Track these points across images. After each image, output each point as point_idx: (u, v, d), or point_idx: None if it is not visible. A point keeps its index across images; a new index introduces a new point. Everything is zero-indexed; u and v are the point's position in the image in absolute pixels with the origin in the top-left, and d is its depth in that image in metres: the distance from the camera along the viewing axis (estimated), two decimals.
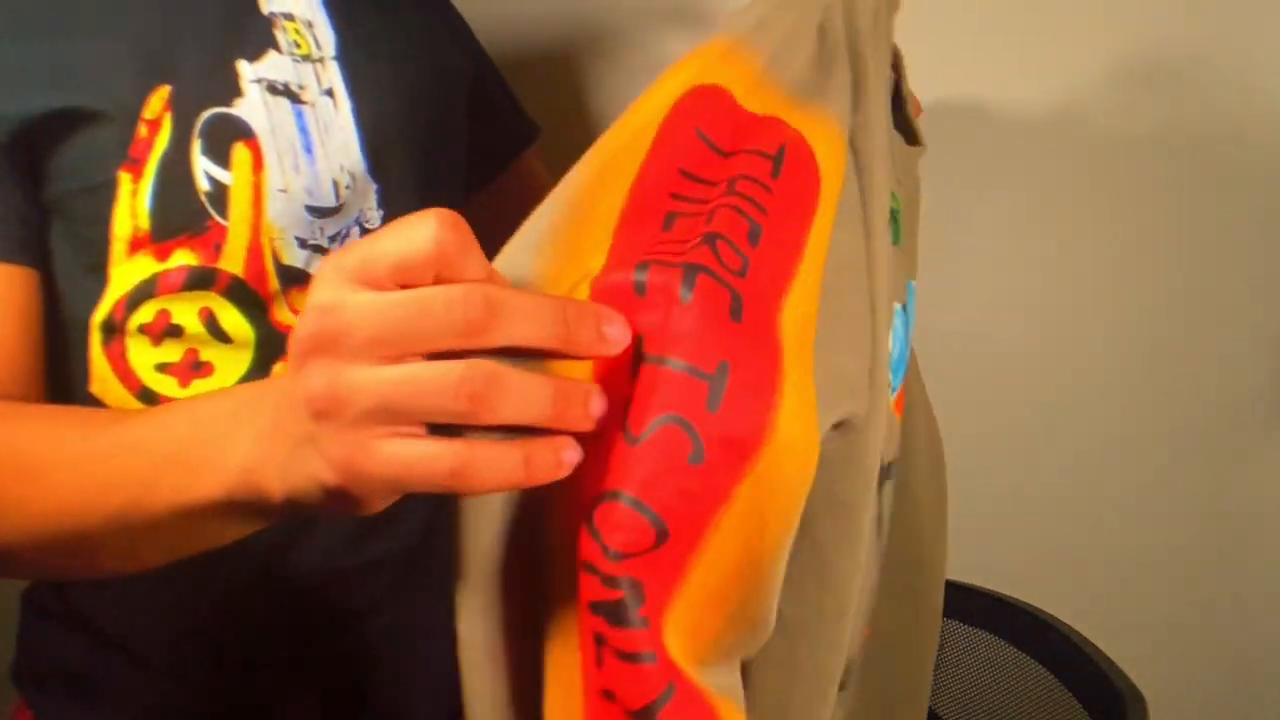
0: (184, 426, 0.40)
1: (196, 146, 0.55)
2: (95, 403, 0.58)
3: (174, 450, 0.39)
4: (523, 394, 0.31)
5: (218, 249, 0.56)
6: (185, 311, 0.57)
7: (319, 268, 0.38)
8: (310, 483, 0.33)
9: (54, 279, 0.56)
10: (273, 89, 0.58)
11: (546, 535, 0.37)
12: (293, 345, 0.32)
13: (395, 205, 0.64)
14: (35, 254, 0.55)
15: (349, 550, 0.65)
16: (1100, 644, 0.82)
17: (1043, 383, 1.06)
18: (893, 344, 0.48)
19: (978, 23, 0.99)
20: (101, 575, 0.47)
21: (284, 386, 0.34)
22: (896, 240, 0.54)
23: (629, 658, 0.35)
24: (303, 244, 0.59)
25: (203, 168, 0.55)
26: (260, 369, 0.59)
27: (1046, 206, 1.02)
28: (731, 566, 0.37)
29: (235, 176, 0.56)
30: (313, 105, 0.60)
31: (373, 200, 0.63)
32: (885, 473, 0.55)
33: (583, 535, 0.35)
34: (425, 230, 0.30)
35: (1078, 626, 0.86)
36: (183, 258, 0.55)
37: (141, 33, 0.55)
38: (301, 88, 0.60)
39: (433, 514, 0.69)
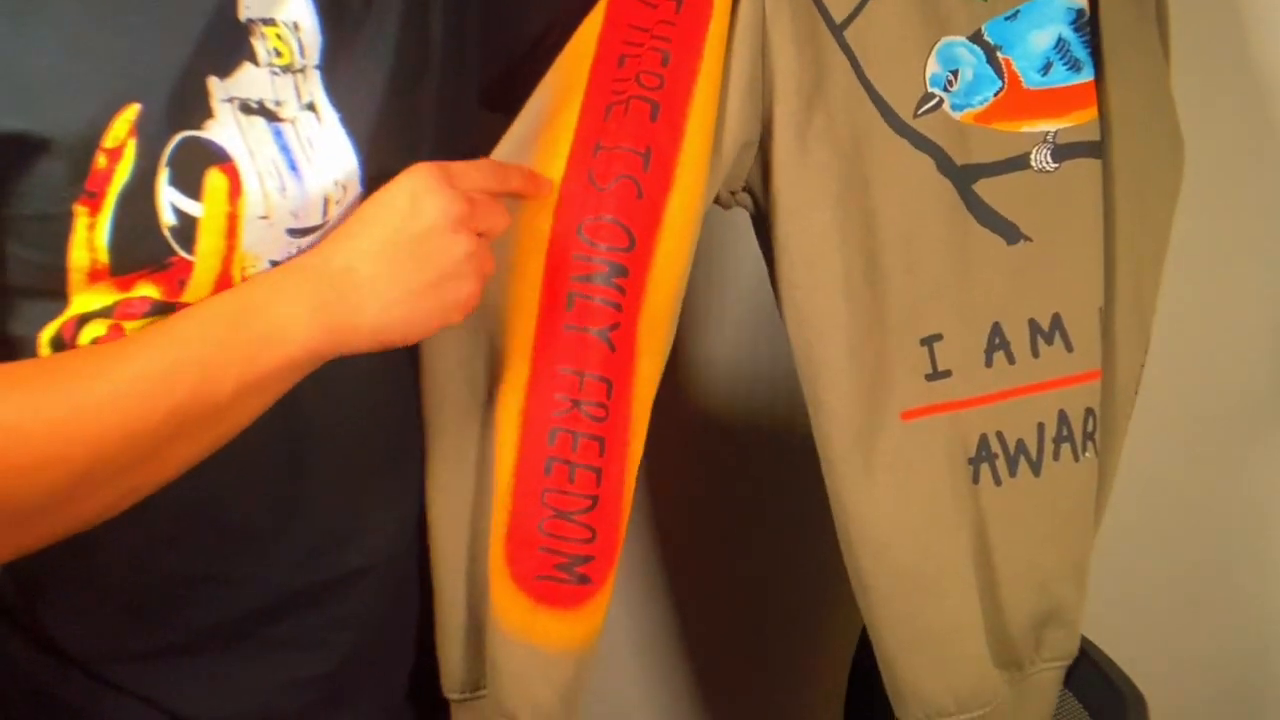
0: (228, 311, 0.48)
1: (163, 176, 0.51)
2: None
3: (224, 334, 0.47)
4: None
5: (182, 284, 0.52)
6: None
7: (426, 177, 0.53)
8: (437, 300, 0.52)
9: (5, 292, 0.52)
10: (246, 108, 0.54)
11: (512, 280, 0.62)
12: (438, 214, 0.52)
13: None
14: None
15: (316, 568, 0.63)
16: (1100, 644, 0.80)
17: None
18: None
19: None
20: (168, 478, 0.49)
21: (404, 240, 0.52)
22: None
23: (601, 298, 0.60)
24: (275, 264, 0.54)
25: (168, 199, 0.51)
26: None
27: None
28: (669, 285, 0.62)
29: (207, 207, 0.51)
30: (292, 121, 0.55)
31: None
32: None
33: (571, 246, 0.60)
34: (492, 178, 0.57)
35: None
36: (145, 289, 0.52)
37: (110, 43, 0.50)
38: (279, 104, 0.55)
39: (399, 533, 0.67)
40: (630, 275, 0.60)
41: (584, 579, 0.60)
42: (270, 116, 0.54)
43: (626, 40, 0.63)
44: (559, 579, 0.60)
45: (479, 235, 0.54)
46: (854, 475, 0.67)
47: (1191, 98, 0.89)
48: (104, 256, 0.50)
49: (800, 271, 0.65)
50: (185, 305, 0.52)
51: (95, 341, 0.52)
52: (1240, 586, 1.02)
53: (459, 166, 0.56)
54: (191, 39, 0.52)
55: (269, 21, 0.55)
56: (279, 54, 0.55)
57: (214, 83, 0.52)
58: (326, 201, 0.56)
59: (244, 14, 0.54)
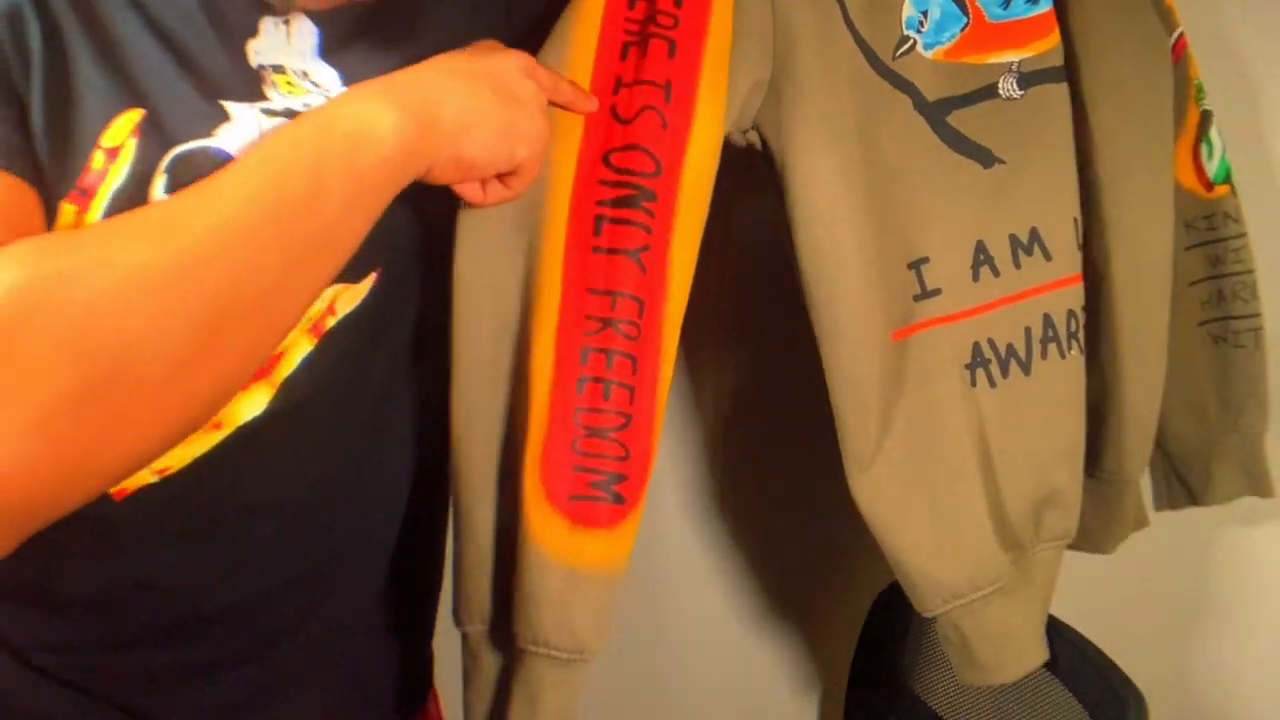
0: (315, 125, 0.45)
1: (159, 183, 0.49)
2: None
3: (319, 143, 0.44)
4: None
5: None
6: None
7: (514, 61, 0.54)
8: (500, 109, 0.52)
9: None
10: (270, 113, 0.53)
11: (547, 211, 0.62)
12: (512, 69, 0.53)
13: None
14: (31, 170, 0.48)
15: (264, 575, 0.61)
16: (1100, 644, 0.83)
17: None
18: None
19: None
20: (296, 317, 0.45)
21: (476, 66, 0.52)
22: None
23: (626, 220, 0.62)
24: None
25: None
26: None
27: None
28: (695, 210, 0.64)
29: None
30: None
31: None
32: None
33: (598, 173, 0.62)
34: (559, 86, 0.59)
35: (1078, 626, 0.86)
36: None
37: (125, 57, 0.49)
38: (307, 106, 0.54)
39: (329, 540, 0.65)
40: (659, 200, 0.62)
41: (619, 498, 0.60)
42: (292, 116, 0.53)
43: None
44: (594, 498, 0.60)
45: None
46: (866, 396, 0.73)
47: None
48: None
49: (818, 206, 0.70)
50: None
51: None
52: (1240, 586, 1.03)
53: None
54: (204, 69, 0.52)
55: (278, 69, 0.54)
56: (292, 94, 0.55)
57: (230, 104, 0.52)
58: None
59: (254, 60, 0.54)
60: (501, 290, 0.63)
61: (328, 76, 0.56)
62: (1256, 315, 0.93)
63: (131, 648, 0.58)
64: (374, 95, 0.47)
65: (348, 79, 0.57)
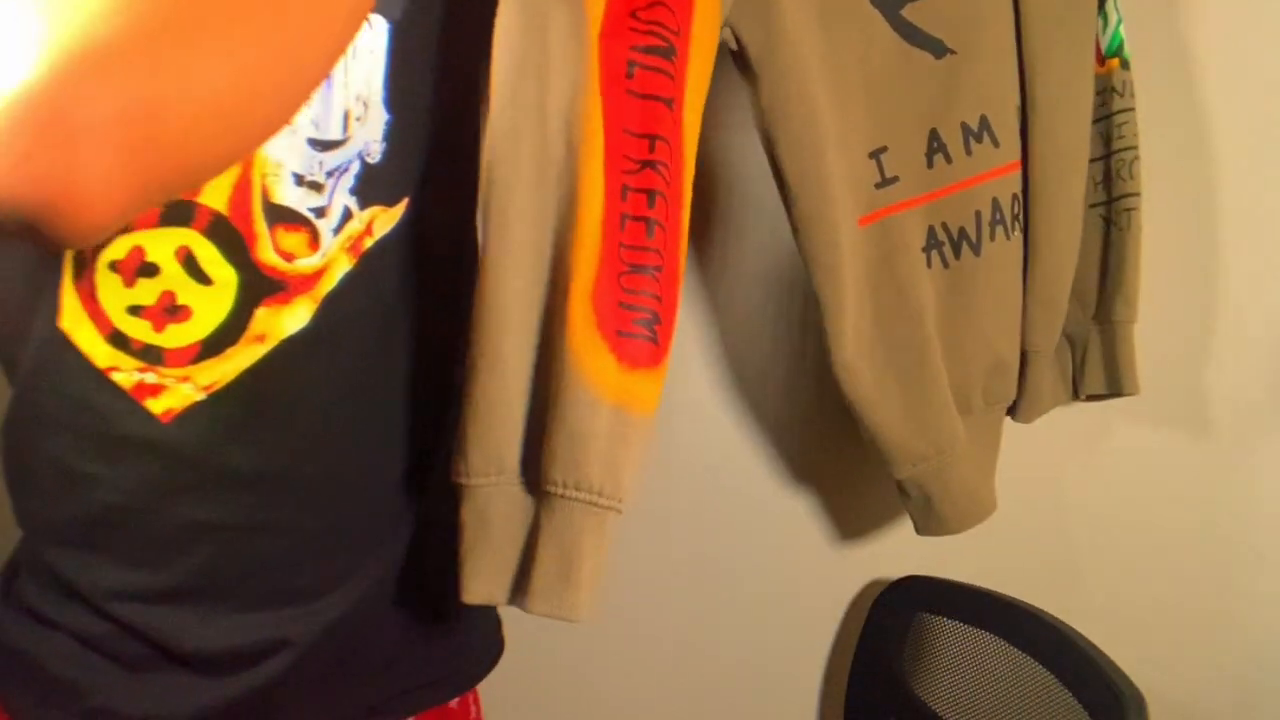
0: None
1: None
2: (64, 338, 0.53)
3: None
4: None
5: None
6: (160, 248, 0.53)
7: None
8: None
9: None
10: None
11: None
12: None
13: (402, 140, 0.58)
14: None
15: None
16: (1100, 644, 0.84)
17: None
18: None
19: None
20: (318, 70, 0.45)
21: None
22: None
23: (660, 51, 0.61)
24: (299, 180, 0.54)
25: None
26: (241, 313, 0.55)
27: None
28: (702, 75, 0.65)
29: None
30: None
31: (380, 132, 0.57)
32: None
33: (628, 22, 0.60)
34: None
35: (1078, 626, 0.87)
36: None
37: None
38: None
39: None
40: (677, 57, 0.62)
41: (654, 337, 0.59)
42: None
43: None
44: (638, 335, 0.58)
45: None
46: (839, 279, 0.77)
47: (1189, 100, 0.98)
48: None
49: (794, 103, 0.73)
50: (201, 206, 0.52)
51: (114, 266, 0.52)
52: (1240, 586, 1.02)
53: None
54: None
55: None
56: None
57: None
58: (346, 116, 0.55)
59: None
60: (542, 113, 0.58)
61: None
62: (1134, 195, 0.95)
63: (197, 595, 0.58)
64: None
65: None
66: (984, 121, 0.80)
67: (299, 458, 0.58)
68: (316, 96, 0.53)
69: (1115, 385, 0.96)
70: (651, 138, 0.60)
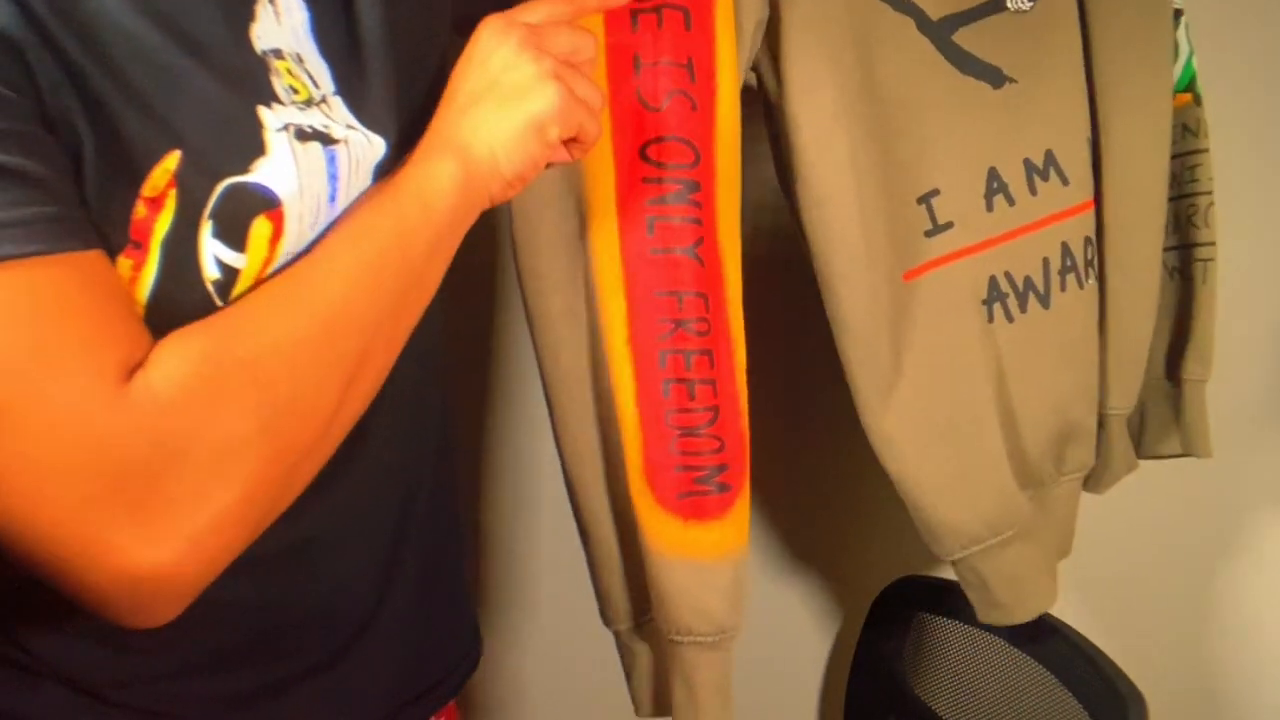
0: (388, 198, 0.51)
1: (206, 229, 0.48)
2: None
3: (397, 209, 0.51)
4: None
5: None
6: None
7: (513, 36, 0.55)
8: (533, 123, 0.53)
9: None
10: (301, 134, 0.51)
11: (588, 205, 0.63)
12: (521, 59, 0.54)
13: None
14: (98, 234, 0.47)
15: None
16: (1100, 644, 0.83)
17: None
18: None
19: None
20: (398, 350, 0.52)
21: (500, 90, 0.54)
22: None
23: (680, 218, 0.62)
24: None
25: (211, 252, 0.48)
26: None
27: None
28: (733, 187, 0.63)
29: (250, 258, 0.49)
30: (345, 142, 0.54)
31: None
32: None
33: (639, 170, 0.61)
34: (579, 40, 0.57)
35: (1078, 626, 0.85)
36: None
37: (143, 86, 0.46)
38: (326, 128, 0.53)
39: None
40: (702, 189, 0.61)
41: (724, 487, 0.62)
42: (325, 140, 0.52)
43: None
44: (701, 492, 0.62)
45: (558, 59, 0.55)
46: (876, 343, 0.69)
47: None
48: (140, 312, 0.47)
49: (812, 151, 0.66)
50: None
51: None
52: (1240, 586, 1.04)
53: (521, 8, 0.57)
54: (228, 77, 0.49)
55: (279, 54, 0.53)
56: (295, 91, 0.52)
57: (264, 112, 0.50)
58: None
59: (258, 46, 0.51)
60: (574, 312, 0.65)
61: (319, 68, 0.55)
62: (1208, 245, 0.88)
63: (205, 672, 0.58)
64: (430, 154, 0.53)
65: (335, 61, 0.56)
66: (1050, 157, 0.71)
67: (318, 551, 0.60)
68: (324, 218, 0.53)
69: (1190, 447, 0.90)
70: (678, 295, 0.61)
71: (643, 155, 0.61)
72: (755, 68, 0.67)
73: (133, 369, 0.42)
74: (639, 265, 0.61)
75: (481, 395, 1.16)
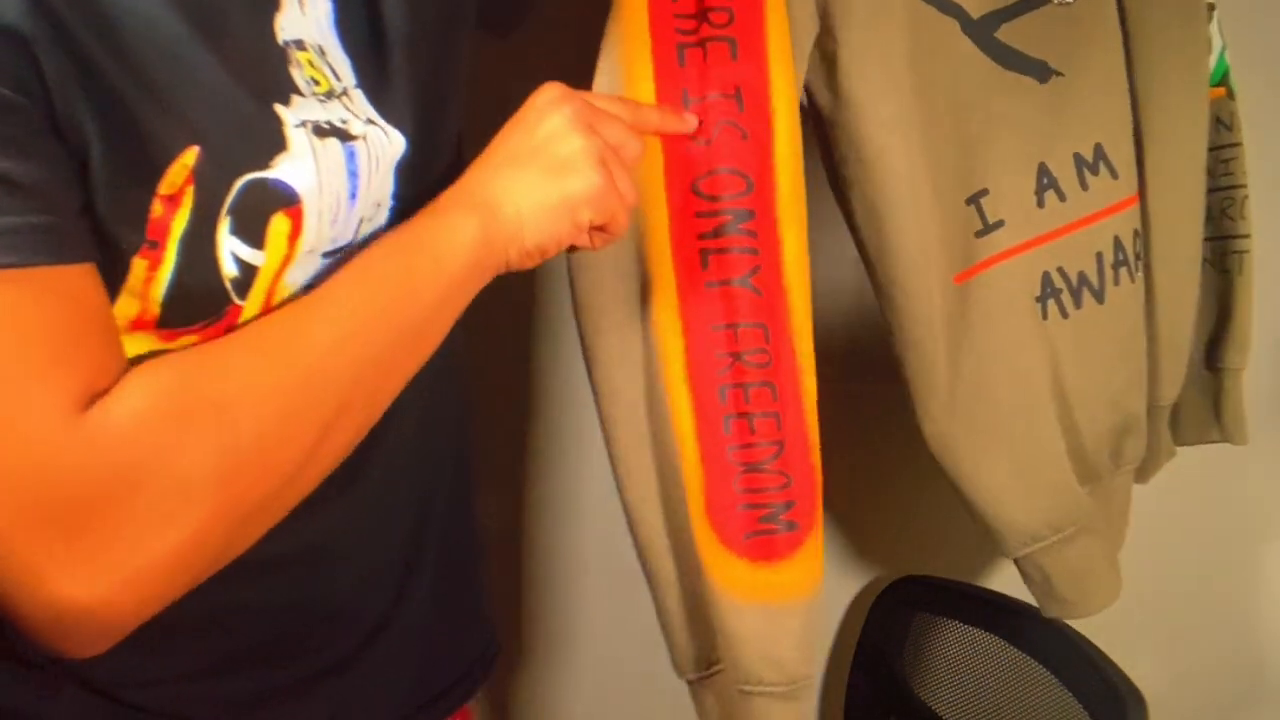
0: (401, 247, 0.50)
1: (224, 226, 0.47)
2: None
3: (408, 262, 0.49)
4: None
5: (230, 329, 0.50)
6: None
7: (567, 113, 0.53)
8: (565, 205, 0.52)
9: None
10: (319, 130, 0.50)
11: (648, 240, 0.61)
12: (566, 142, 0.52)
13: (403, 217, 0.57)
14: (94, 244, 0.46)
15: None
16: (1100, 644, 0.83)
17: None
18: None
19: None
20: (394, 396, 0.51)
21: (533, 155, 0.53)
22: None
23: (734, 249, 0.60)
24: (307, 289, 0.52)
25: (229, 249, 0.47)
26: None
27: None
28: (797, 215, 0.61)
29: (269, 255, 0.49)
30: (364, 138, 0.52)
31: (385, 218, 0.56)
32: None
33: (691, 205, 0.60)
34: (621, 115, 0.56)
35: (1078, 626, 0.85)
36: (190, 340, 0.49)
37: (162, 80, 0.45)
38: (345, 123, 0.52)
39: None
40: (758, 217, 0.60)
41: (792, 525, 0.60)
42: (344, 136, 0.51)
43: None
44: (768, 530, 0.60)
45: (607, 144, 0.54)
46: (933, 348, 0.69)
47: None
48: (155, 309, 0.47)
49: (874, 164, 0.65)
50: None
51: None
52: (1240, 587, 1.04)
53: (592, 93, 0.56)
54: (247, 71, 0.48)
55: (301, 46, 0.52)
56: (316, 82, 0.52)
57: (283, 109, 0.49)
58: (360, 222, 0.53)
59: (281, 37, 0.51)
60: (629, 353, 0.63)
61: (341, 61, 0.54)
62: (1245, 237, 0.89)
63: (220, 675, 0.58)
64: (453, 207, 0.52)
65: (357, 53, 0.55)
66: (1099, 150, 0.71)
67: (337, 550, 0.60)
68: (344, 215, 0.52)
69: (1228, 435, 0.91)
70: (734, 327, 0.60)
71: (694, 190, 0.60)
72: (805, 84, 0.66)
73: (95, 395, 0.41)
74: (694, 301, 0.60)
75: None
